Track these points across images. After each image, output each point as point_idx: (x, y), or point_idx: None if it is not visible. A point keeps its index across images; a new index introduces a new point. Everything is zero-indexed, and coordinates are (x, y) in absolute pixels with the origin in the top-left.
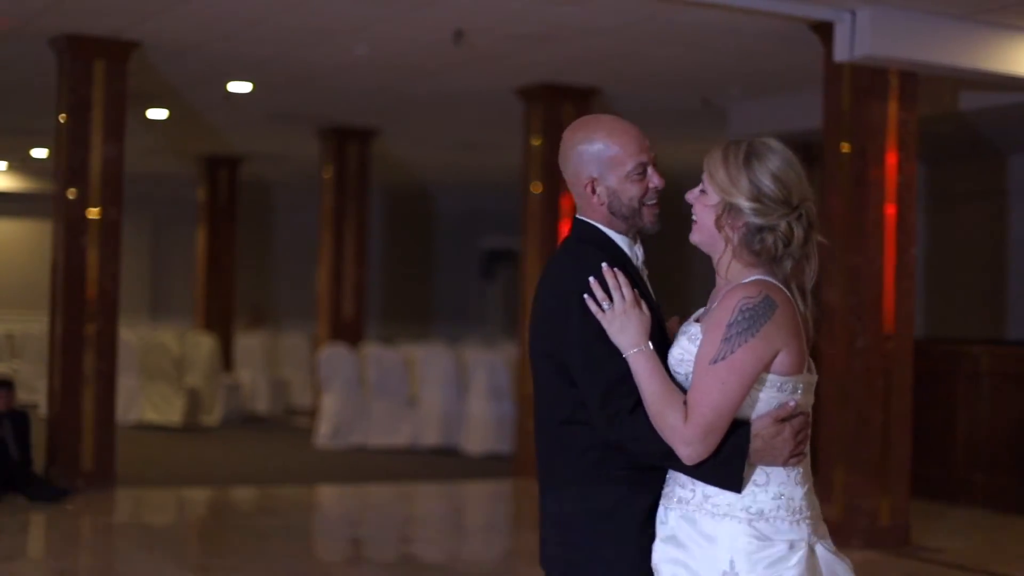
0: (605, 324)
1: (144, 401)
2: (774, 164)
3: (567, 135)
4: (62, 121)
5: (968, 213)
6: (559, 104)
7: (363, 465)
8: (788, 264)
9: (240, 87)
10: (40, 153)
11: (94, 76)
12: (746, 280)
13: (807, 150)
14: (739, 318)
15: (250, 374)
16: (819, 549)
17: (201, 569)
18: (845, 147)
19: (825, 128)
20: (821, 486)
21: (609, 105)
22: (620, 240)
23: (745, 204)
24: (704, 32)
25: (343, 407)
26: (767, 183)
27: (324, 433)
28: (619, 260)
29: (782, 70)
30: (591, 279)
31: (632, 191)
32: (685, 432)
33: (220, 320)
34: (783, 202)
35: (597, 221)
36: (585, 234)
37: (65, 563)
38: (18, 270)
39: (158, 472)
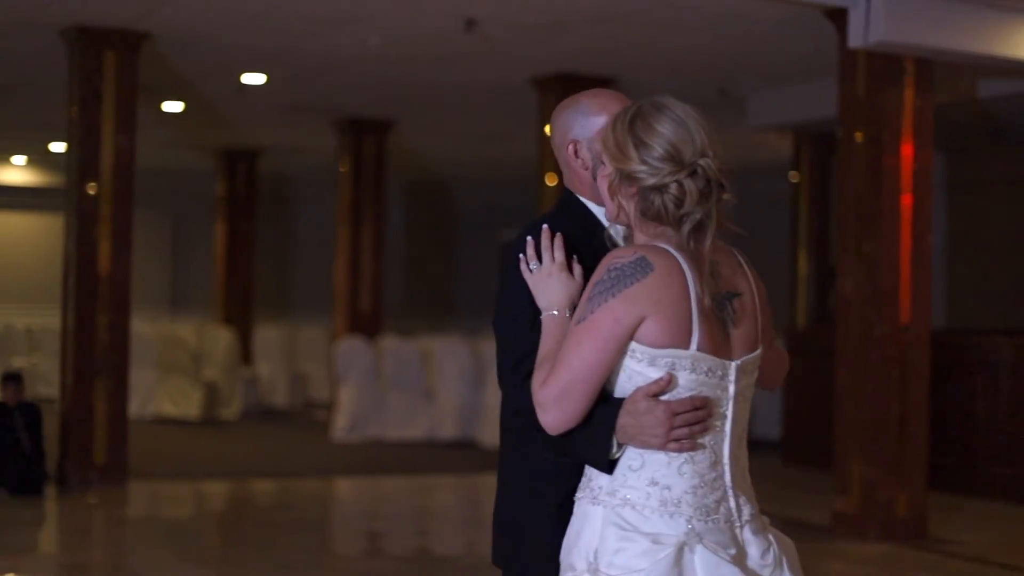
0: (530, 285)
1: (162, 395)
2: (660, 122)
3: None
4: (73, 114)
5: (991, 202)
6: (573, 94)
7: (380, 458)
8: (687, 227)
9: (254, 79)
10: (58, 147)
11: (104, 68)
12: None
13: (826, 139)
14: (604, 278)
15: (268, 367)
16: (701, 551)
17: (216, 562)
18: (860, 135)
19: (840, 116)
20: (838, 478)
21: (624, 94)
22: (601, 213)
23: (633, 167)
24: (719, 20)
25: (360, 400)
26: (652, 141)
27: (341, 426)
28: (590, 232)
29: (798, 58)
30: (528, 238)
31: None
32: (539, 394)
33: (239, 313)
34: (671, 159)
35: (582, 193)
36: (562, 203)
37: (77, 557)
38: (38, 264)
39: (175, 466)
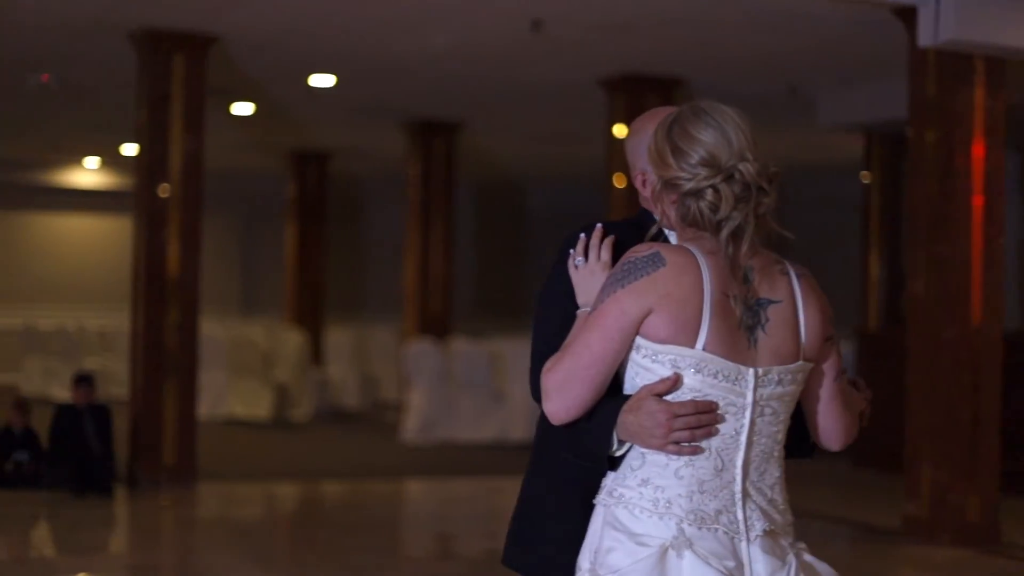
0: (573, 280)
1: (233, 396)
2: (697, 128)
3: (631, 125)
4: (142, 117)
5: None
6: (642, 95)
7: (450, 459)
8: (725, 232)
9: (323, 81)
10: (130, 150)
11: (173, 70)
12: None
13: (898, 139)
14: (617, 271)
15: (339, 369)
16: (690, 557)
17: (285, 564)
18: (931, 135)
19: (910, 116)
20: (908, 481)
21: (693, 95)
22: (673, 238)
23: (671, 174)
24: (788, 19)
25: (430, 402)
26: (689, 147)
27: (411, 428)
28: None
29: (869, 57)
30: (581, 235)
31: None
32: (544, 381)
33: (309, 315)
34: (707, 164)
35: (655, 214)
36: (636, 216)
37: (146, 558)
38: (112, 266)
39: (245, 467)
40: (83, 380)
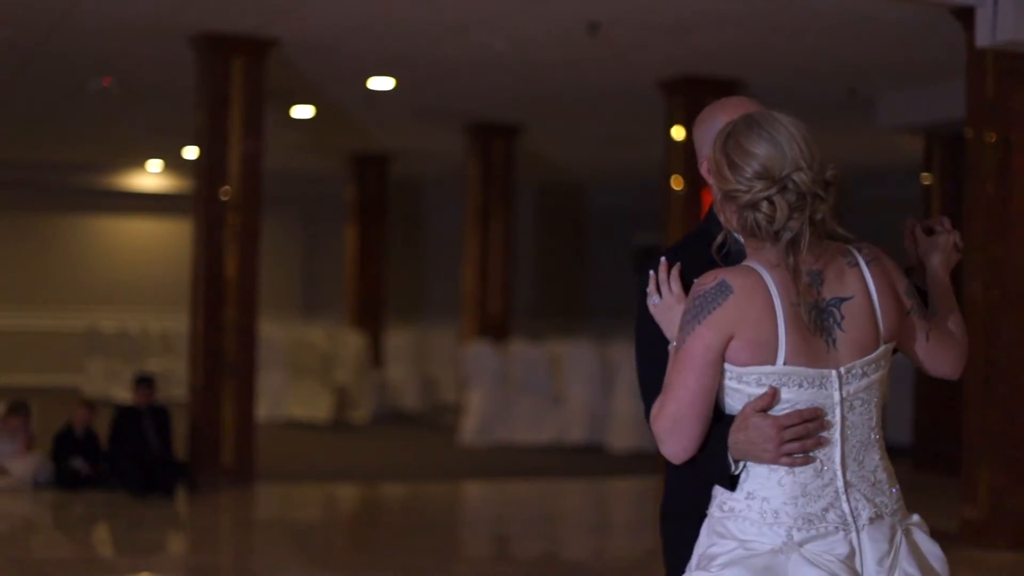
0: (656, 318)
1: (292, 398)
2: (751, 141)
3: (699, 115)
4: (201, 120)
5: None
6: (701, 97)
7: (508, 462)
8: (783, 242)
9: (381, 83)
10: (192, 153)
11: (232, 74)
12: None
13: (958, 140)
14: (691, 306)
15: (398, 371)
16: (796, 558)
17: (343, 565)
18: (990, 136)
19: (969, 117)
20: (966, 485)
21: (751, 98)
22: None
23: (729, 187)
24: (846, 20)
25: (488, 404)
26: (744, 162)
27: (469, 430)
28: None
29: (928, 58)
30: (650, 273)
31: None
32: (654, 428)
33: (369, 317)
34: (762, 177)
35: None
36: (705, 219)
37: (205, 558)
38: (175, 270)
39: (304, 469)
40: (143, 381)
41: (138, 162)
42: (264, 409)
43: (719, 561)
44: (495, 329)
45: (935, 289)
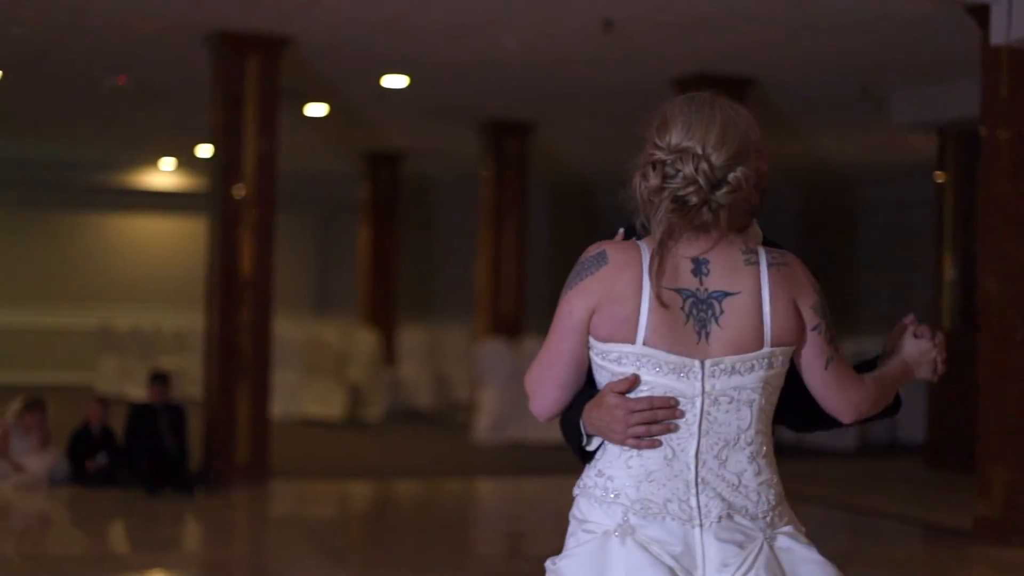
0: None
1: (306, 396)
2: (675, 111)
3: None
4: (216, 118)
5: None
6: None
7: (521, 459)
8: (644, 219)
9: (395, 82)
10: (205, 151)
11: (247, 72)
12: None
13: (972, 138)
14: (572, 271)
15: (412, 369)
16: (630, 543)
17: (358, 562)
18: (1004, 134)
19: (983, 114)
20: (980, 482)
21: (765, 95)
22: None
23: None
24: (859, 18)
25: (501, 402)
26: (660, 128)
27: (482, 427)
28: None
29: (942, 56)
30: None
31: None
32: (525, 384)
33: (382, 315)
34: (660, 148)
35: None
36: None
37: (219, 555)
38: (188, 267)
39: (318, 466)
40: (159, 379)
41: (150, 160)
42: (278, 407)
43: (564, 552)
44: (508, 327)
45: (891, 367)
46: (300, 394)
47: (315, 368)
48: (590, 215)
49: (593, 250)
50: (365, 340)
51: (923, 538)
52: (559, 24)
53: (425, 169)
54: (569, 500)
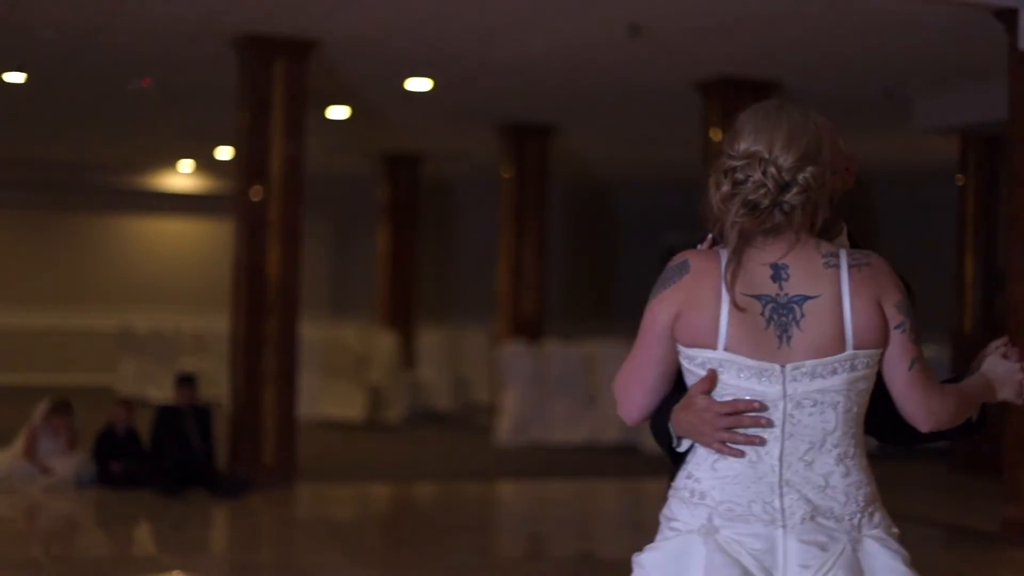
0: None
1: (326, 398)
2: (745, 120)
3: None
4: (243, 121)
5: None
6: (737, 98)
7: (543, 462)
8: (728, 224)
9: (419, 85)
10: (224, 154)
11: (274, 75)
12: None
13: (994, 141)
14: (658, 278)
15: (431, 371)
16: (711, 543)
17: (380, 563)
18: None
19: (1010, 119)
20: (1008, 485)
21: (789, 99)
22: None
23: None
24: (885, 22)
25: (523, 404)
26: (731, 136)
27: (504, 430)
28: None
29: (967, 60)
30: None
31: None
32: (613, 390)
33: (402, 317)
34: (735, 156)
35: None
36: None
37: (246, 556)
38: (207, 269)
39: (339, 468)
40: (186, 381)
41: (169, 162)
42: (299, 409)
43: (652, 544)
44: (529, 329)
45: (974, 382)
46: (320, 396)
47: (335, 370)
48: (610, 217)
49: (677, 259)
50: (385, 342)
51: (949, 541)
52: (586, 28)
53: (445, 171)
54: (591, 503)
